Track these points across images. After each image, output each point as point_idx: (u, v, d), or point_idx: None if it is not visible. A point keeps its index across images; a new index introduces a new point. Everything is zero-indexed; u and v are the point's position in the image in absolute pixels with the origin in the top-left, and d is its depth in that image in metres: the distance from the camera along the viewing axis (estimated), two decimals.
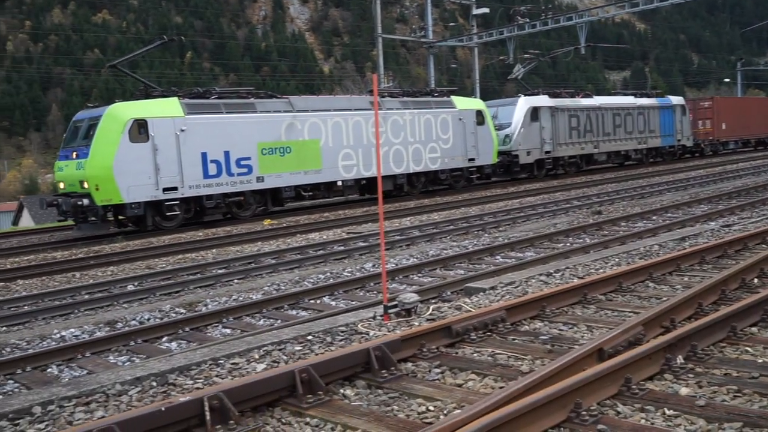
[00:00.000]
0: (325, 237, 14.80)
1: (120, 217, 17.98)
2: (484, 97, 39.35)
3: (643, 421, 3.65)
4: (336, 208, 21.47)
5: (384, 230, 7.11)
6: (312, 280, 10.06)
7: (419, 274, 10.12)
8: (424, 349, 5.08)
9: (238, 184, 19.04)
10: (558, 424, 3.61)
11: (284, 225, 17.64)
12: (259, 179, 19.44)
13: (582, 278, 7.43)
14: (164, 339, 7.56)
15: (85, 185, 16.83)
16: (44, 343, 7.58)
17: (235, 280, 10.62)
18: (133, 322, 8.24)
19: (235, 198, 19.15)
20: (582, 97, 31.03)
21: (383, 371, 4.66)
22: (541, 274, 7.86)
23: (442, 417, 3.91)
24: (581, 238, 12.55)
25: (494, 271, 9.56)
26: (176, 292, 10.02)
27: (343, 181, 21.35)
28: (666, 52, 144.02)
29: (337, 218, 18.41)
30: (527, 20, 37.31)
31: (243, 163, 19.06)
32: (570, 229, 13.25)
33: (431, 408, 4.08)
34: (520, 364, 4.78)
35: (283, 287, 9.72)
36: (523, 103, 27.42)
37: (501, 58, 39.46)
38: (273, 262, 11.87)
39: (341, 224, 17.18)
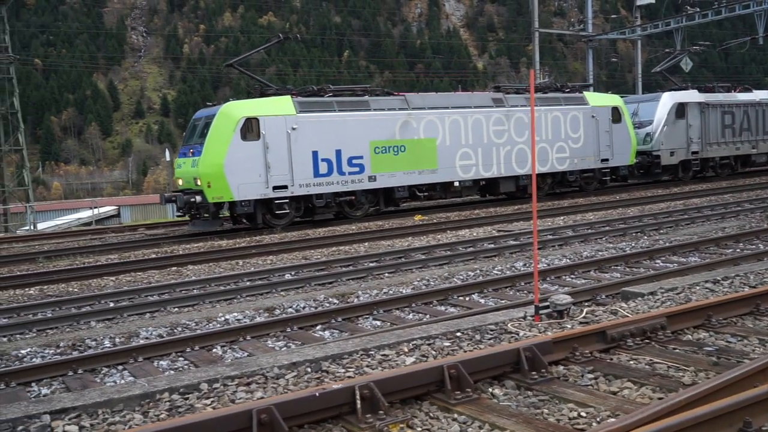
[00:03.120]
0: (475, 234, 14.73)
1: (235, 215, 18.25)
2: (647, 93, 37.36)
3: None
4: (487, 206, 21.30)
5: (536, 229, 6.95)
6: (461, 277, 10.05)
7: (572, 276, 9.82)
8: (577, 353, 4.92)
9: (349, 184, 18.78)
10: None
11: (434, 221, 17.76)
12: (371, 179, 19.08)
13: (754, 287, 6.88)
14: (318, 327, 7.87)
15: (198, 182, 17.21)
16: (210, 325, 8.15)
17: (386, 274, 10.84)
18: (290, 310, 8.65)
19: (345, 197, 18.93)
20: (740, 91, 28.39)
21: (533, 372, 4.57)
22: (706, 281, 7.36)
23: (594, 424, 3.77)
24: (753, 244, 11.61)
25: (654, 276, 9.08)
26: (330, 282, 10.39)
27: (460, 181, 20.67)
28: None
29: (487, 215, 18.27)
30: (697, 9, 34.95)
31: (355, 161, 18.81)
32: (740, 234, 12.32)
33: (583, 414, 3.95)
34: (681, 375, 4.51)
35: (432, 283, 9.79)
36: (668, 99, 25.31)
37: (666, 50, 37.21)
38: (423, 257, 11.98)
39: (492, 222, 17.03)
